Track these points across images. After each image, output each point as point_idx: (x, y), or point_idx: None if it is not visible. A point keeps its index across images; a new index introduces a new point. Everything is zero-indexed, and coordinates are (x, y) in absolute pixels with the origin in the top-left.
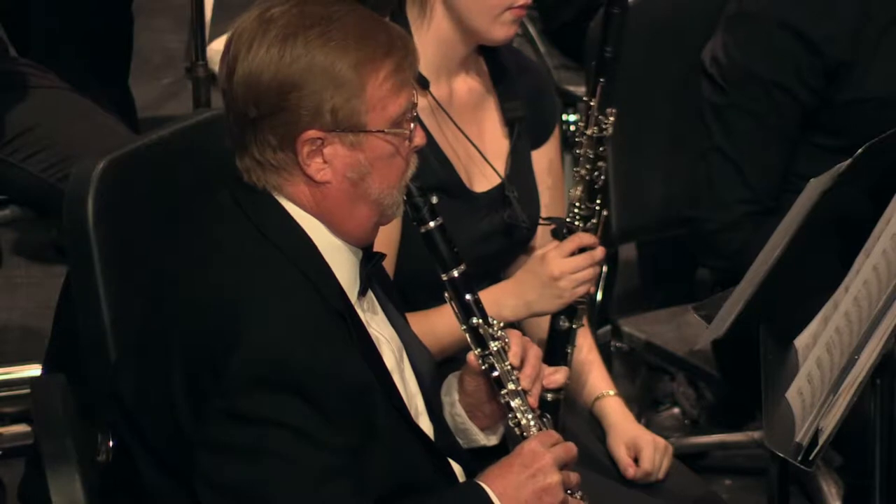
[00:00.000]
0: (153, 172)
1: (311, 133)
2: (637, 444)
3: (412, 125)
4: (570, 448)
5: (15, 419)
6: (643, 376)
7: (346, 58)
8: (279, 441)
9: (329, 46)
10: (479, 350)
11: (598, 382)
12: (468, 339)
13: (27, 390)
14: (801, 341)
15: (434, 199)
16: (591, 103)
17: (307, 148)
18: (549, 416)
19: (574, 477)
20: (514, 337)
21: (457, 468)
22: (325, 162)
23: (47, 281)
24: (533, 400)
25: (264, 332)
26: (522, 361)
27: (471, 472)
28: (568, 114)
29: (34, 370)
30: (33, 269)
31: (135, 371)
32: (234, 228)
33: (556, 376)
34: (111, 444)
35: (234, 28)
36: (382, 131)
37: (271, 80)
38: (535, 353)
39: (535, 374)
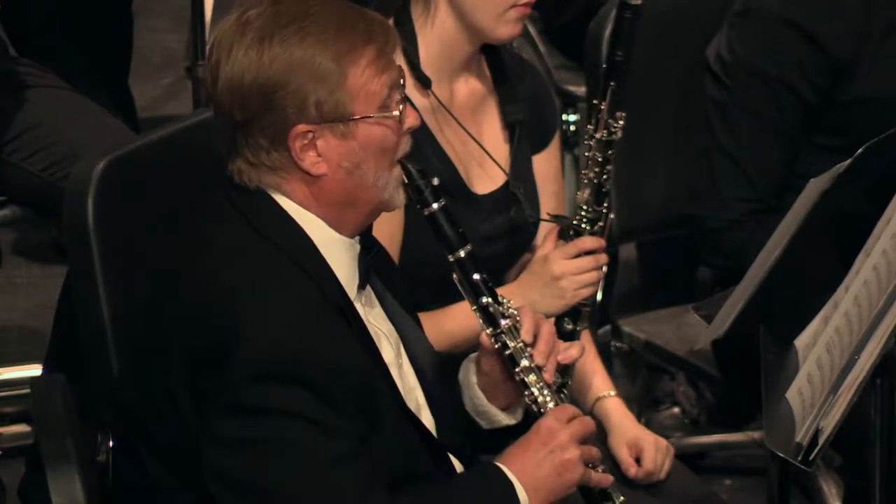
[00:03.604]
0: (153, 172)
1: (301, 128)
2: (639, 444)
3: (401, 106)
4: (588, 423)
5: (15, 419)
6: (643, 376)
7: (325, 51)
8: (287, 430)
9: (307, 42)
10: (490, 329)
11: (600, 385)
12: (479, 319)
13: (27, 390)
14: (801, 341)
15: (435, 181)
16: (602, 107)
17: (299, 143)
18: (566, 390)
19: (595, 451)
20: (525, 314)
21: (457, 464)
22: (318, 155)
23: (47, 281)
24: (548, 375)
25: (265, 328)
26: (536, 338)
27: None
28: (568, 114)
29: (34, 370)
30: (33, 269)
31: (136, 371)
32: (230, 227)
33: (571, 351)
34: (111, 444)
35: (215, 34)
36: (371, 116)
37: (253, 83)
38: (547, 328)
39: (548, 350)
